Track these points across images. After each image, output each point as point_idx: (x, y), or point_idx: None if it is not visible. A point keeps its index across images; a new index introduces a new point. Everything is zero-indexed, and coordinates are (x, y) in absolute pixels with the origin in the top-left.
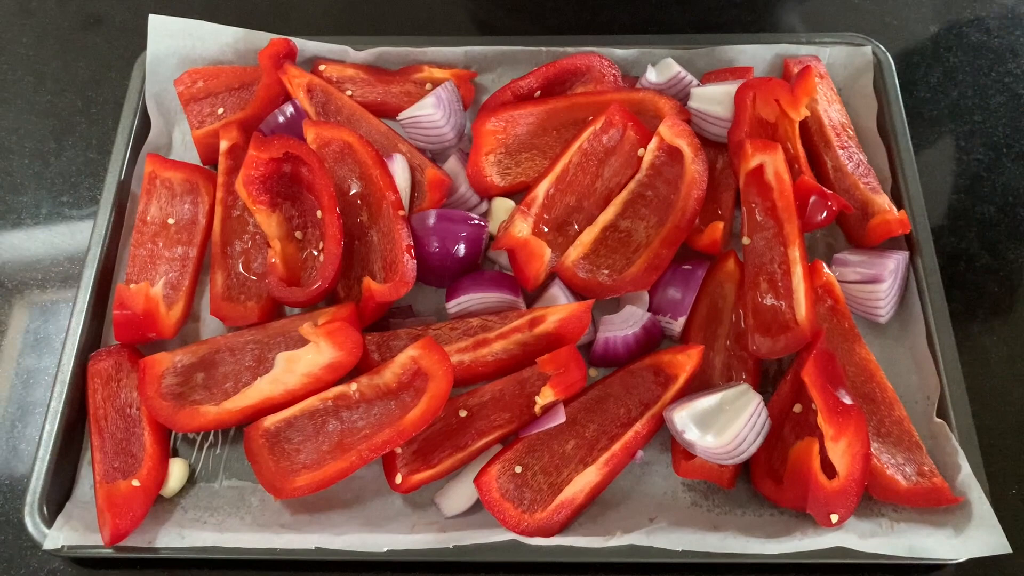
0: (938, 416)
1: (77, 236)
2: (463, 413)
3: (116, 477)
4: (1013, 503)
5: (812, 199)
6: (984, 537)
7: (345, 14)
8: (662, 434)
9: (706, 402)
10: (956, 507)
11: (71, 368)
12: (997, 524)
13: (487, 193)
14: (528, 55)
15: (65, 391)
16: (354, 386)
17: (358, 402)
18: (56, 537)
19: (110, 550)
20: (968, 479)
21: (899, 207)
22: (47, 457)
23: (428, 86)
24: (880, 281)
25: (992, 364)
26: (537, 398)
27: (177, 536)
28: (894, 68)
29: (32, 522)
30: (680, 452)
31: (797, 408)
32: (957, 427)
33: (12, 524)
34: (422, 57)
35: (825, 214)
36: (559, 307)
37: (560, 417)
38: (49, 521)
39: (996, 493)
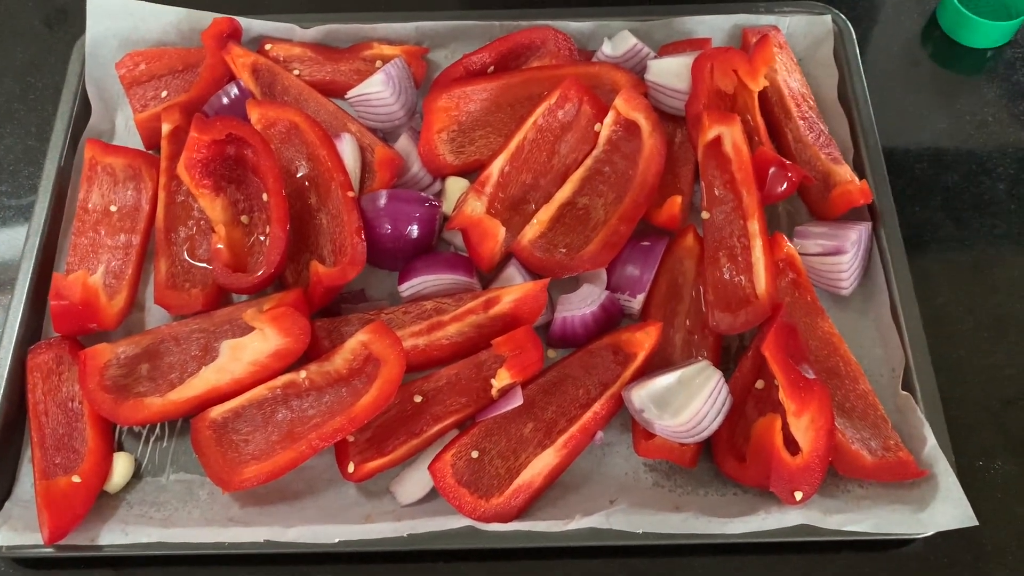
0: (903, 389)
1: (16, 227)
2: (418, 398)
3: (57, 473)
4: (980, 475)
5: (771, 170)
6: (950, 510)
7: None
8: (623, 415)
9: (665, 380)
10: (922, 480)
11: (9, 363)
12: (963, 496)
13: (440, 172)
14: (482, 30)
15: (3, 387)
16: (303, 374)
17: (308, 390)
18: None
19: (51, 549)
20: (934, 451)
21: (861, 177)
22: None
23: (378, 63)
24: (842, 253)
25: (957, 335)
26: (493, 381)
27: (120, 533)
28: (855, 36)
29: None
30: (640, 432)
31: (759, 384)
32: (922, 399)
33: None
34: (372, 34)
35: (785, 185)
36: (514, 287)
37: (517, 400)
38: None
39: (963, 465)
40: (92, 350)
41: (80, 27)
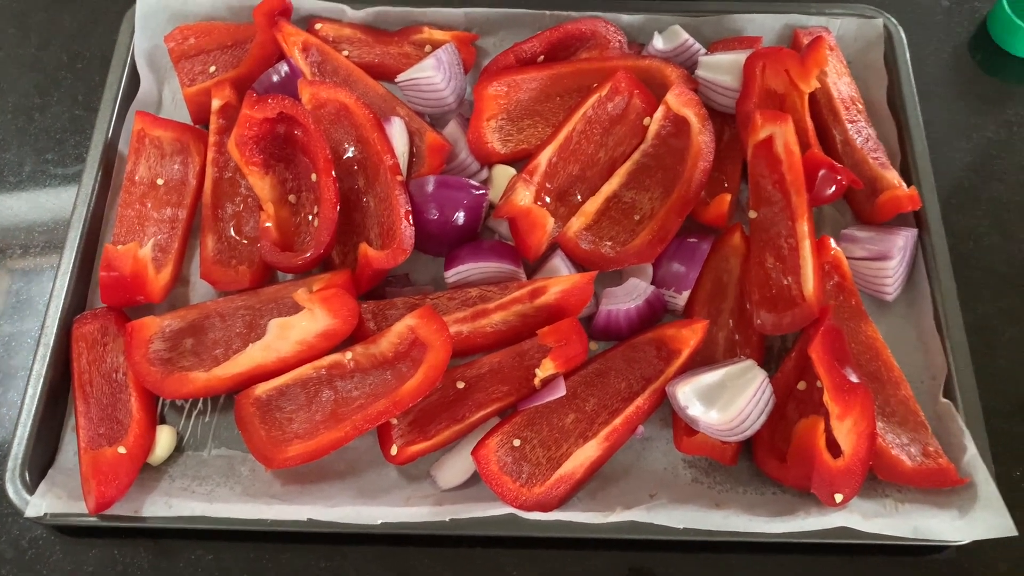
0: (944, 396)
1: (62, 196)
2: (460, 385)
3: (101, 444)
4: (1018, 485)
5: (821, 173)
6: (989, 519)
7: None
8: (662, 410)
9: (710, 377)
10: (961, 488)
11: (55, 331)
12: (1003, 506)
13: (488, 160)
14: (531, 18)
15: (49, 355)
16: (349, 355)
17: (353, 371)
18: (39, 504)
19: (95, 518)
20: (974, 460)
21: (908, 183)
22: (29, 422)
23: (428, 48)
24: (888, 258)
25: (999, 345)
26: (537, 371)
27: (164, 505)
28: (905, 42)
29: (14, 488)
30: (682, 428)
31: (801, 385)
32: (963, 408)
33: None
34: (422, 18)
35: (834, 188)
36: (561, 278)
37: (560, 390)
38: (31, 488)
39: (1001, 475)
40: (139, 323)
41: None
